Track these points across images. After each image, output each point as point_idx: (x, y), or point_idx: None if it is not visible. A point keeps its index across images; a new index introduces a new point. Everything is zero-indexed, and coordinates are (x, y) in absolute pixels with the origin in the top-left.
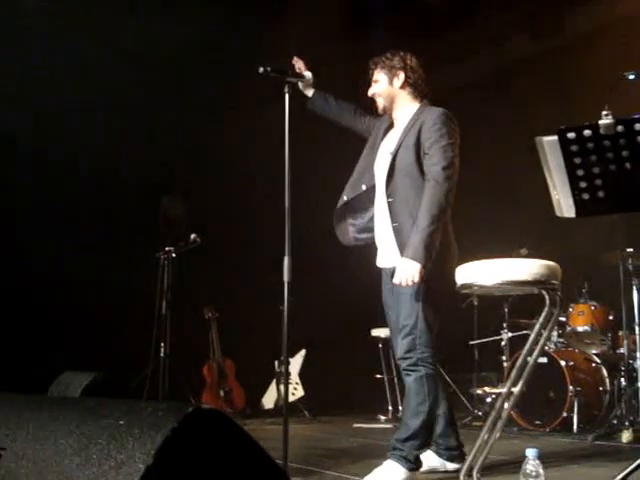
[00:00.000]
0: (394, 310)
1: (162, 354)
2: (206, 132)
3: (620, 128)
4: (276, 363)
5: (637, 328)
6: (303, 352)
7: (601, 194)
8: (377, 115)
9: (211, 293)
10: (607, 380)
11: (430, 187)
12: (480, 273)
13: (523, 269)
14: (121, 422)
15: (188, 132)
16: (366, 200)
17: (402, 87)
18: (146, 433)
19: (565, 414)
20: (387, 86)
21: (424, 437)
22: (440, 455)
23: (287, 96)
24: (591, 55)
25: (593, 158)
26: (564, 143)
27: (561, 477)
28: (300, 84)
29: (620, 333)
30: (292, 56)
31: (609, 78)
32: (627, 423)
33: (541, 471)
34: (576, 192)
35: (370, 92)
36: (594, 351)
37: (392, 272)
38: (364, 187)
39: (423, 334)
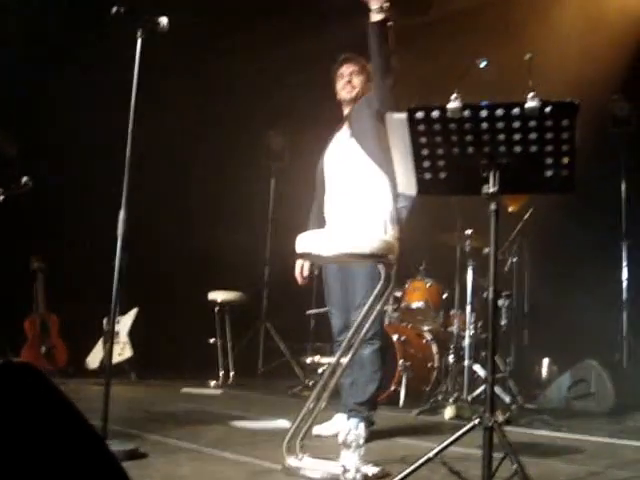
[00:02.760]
0: (345, 289)
1: None
2: (46, 71)
3: (467, 113)
4: (104, 321)
5: (468, 308)
6: (135, 311)
7: (442, 175)
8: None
9: (40, 242)
10: (436, 357)
11: None
12: (318, 243)
13: (361, 242)
14: None
15: (26, 69)
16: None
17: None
18: None
19: (393, 388)
20: (366, 80)
21: (376, 401)
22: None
23: (139, 40)
24: (454, 37)
25: (438, 139)
26: (412, 122)
27: (382, 448)
28: None
29: (452, 312)
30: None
31: (462, 63)
32: (451, 400)
33: (362, 442)
34: (419, 171)
35: (350, 79)
36: (426, 328)
37: None
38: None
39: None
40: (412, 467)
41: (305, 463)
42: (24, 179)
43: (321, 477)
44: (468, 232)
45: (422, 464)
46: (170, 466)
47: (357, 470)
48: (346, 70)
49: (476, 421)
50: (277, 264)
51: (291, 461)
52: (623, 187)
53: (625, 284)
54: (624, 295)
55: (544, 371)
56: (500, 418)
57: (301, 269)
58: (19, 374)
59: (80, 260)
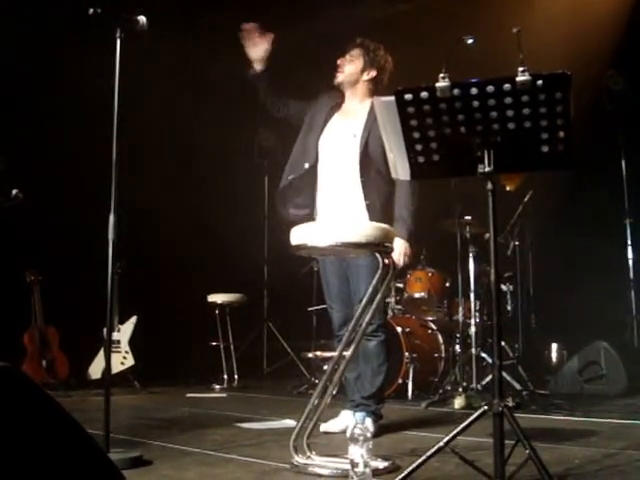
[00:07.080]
0: (345, 282)
1: None
2: (31, 82)
3: (456, 91)
4: (104, 330)
5: (472, 295)
6: (134, 319)
7: (436, 157)
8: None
9: (33, 255)
10: (442, 347)
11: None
12: (314, 234)
13: (356, 231)
14: None
15: (11, 82)
16: (307, 177)
17: (368, 80)
18: None
19: (400, 381)
20: (358, 71)
21: (383, 394)
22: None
23: (119, 41)
24: (442, 19)
25: (429, 121)
26: (401, 104)
27: (391, 442)
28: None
29: (456, 300)
30: None
31: (449, 42)
32: (460, 389)
33: (369, 435)
34: (411, 155)
35: (341, 64)
36: (430, 318)
37: None
38: (307, 165)
39: (380, 304)
40: (422, 458)
41: (313, 460)
42: (14, 192)
43: (330, 473)
44: (467, 218)
45: (432, 454)
46: (176, 471)
47: (366, 464)
48: (347, 55)
49: (485, 407)
50: (276, 263)
51: (299, 459)
52: (623, 164)
53: (631, 263)
54: (631, 274)
55: (553, 356)
56: (510, 403)
57: None
58: (3, 376)
59: (76, 270)
